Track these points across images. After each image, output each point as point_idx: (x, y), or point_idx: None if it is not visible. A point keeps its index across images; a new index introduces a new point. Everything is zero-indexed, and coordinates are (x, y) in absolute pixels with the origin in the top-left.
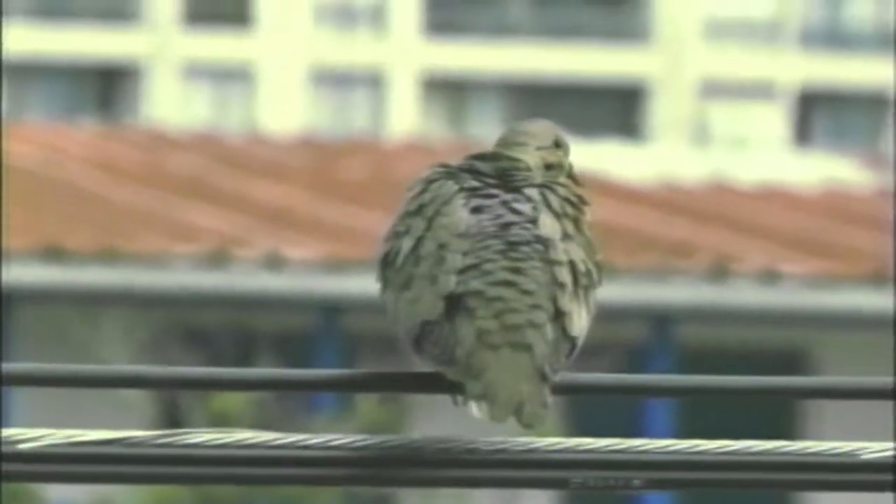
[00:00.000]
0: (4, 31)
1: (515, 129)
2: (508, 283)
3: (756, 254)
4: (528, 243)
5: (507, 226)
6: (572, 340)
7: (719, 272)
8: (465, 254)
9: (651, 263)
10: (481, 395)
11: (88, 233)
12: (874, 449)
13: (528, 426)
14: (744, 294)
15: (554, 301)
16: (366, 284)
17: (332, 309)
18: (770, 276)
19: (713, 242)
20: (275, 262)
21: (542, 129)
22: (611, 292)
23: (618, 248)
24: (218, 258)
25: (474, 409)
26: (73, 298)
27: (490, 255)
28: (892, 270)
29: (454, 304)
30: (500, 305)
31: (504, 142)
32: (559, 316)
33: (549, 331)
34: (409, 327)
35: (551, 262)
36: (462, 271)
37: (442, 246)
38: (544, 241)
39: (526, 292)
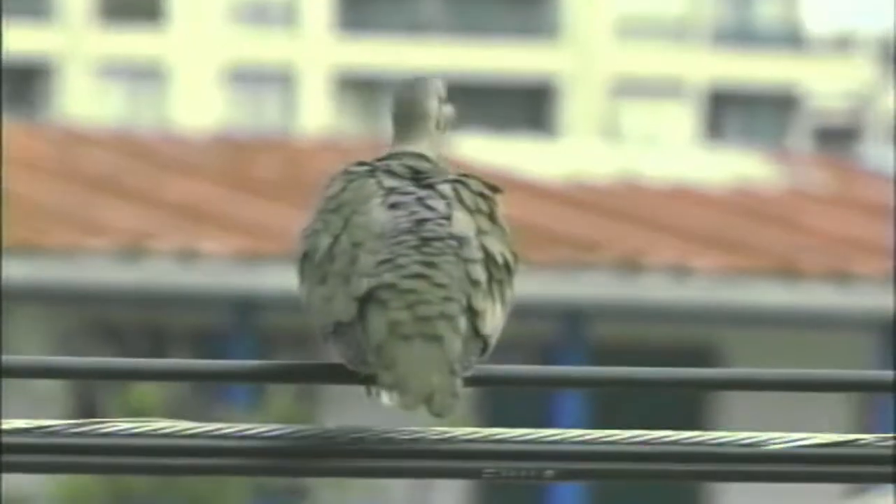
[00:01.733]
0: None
1: (410, 100)
2: (421, 276)
3: (666, 250)
4: (441, 239)
5: (421, 222)
6: (484, 339)
7: (630, 268)
8: (378, 254)
9: (562, 260)
10: (393, 385)
11: (3, 228)
12: (783, 439)
13: (438, 415)
14: (654, 290)
15: (468, 298)
16: (279, 280)
17: (245, 305)
18: (680, 272)
19: (624, 239)
20: (188, 258)
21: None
22: (522, 288)
23: (529, 244)
24: (131, 253)
25: (385, 397)
26: None
27: (404, 250)
28: (800, 266)
29: (367, 298)
30: (412, 297)
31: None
32: (472, 314)
33: (462, 323)
34: (323, 324)
35: (465, 260)
36: (375, 266)
37: (356, 245)
38: (458, 239)
39: (439, 285)
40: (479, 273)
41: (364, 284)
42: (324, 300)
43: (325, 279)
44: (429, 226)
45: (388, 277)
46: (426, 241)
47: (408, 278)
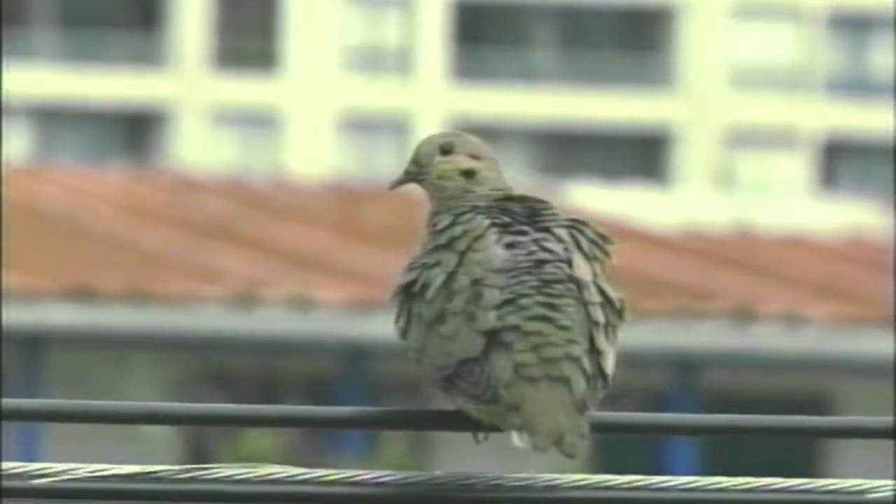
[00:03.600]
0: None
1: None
2: (545, 319)
3: (779, 299)
4: (561, 282)
5: (540, 263)
6: (606, 378)
7: (743, 317)
8: (501, 289)
9: (675, 309)
10: (521, 427)
11: (117, 275)
12: (887, 487)
13: (570, 456)
14: (767, 339)
15: (590, 339)
16: (391, 328)
17: (357, 352)
18: (793, 321)
19: (737, 288)
20: (301, 305)
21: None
22: (635, 337)
23: (642, 292)
24: (245, 301)
25: (516, 438)
26: (101, 341)
27: (525, 290)
28: None
29: (490, 339)
30: (537, 339)
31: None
32: (595, 353)
33: (586, 364)
34: (441, 364)
35: (585, 303)
36: (498, 307)
37: (477, 281)
38: (578, 282)
39: (562, 327)
40: (600, 315)
41: (492, 317)
42: (444, 339)
43: (444, 318)
44: (548, 268)
45: (512, 319)
46: (547, 283)
47: (531, 320)
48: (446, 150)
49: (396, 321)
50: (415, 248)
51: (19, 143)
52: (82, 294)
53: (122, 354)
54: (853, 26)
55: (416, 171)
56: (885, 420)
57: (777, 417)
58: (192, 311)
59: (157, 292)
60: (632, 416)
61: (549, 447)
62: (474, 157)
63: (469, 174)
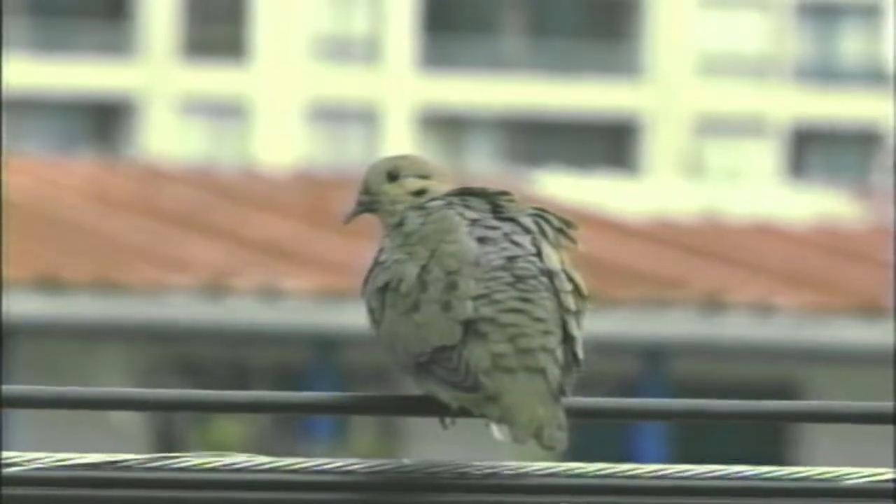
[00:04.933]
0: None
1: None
2: (519, 311)
3: (749, 288)
4: (534, 277)
5: (512, 259)
6: (579, 363)
7: (712, 306)
8: (477, 281)
9: (644, 297)
10: (500, 418)
11: (84, 265)
12: (863, 474)
13: (549, 448)
14: (737, 328)
15: (563, 326)
16: (362, 317)
17: (327, 342)
18: (763, 310)
19: (706, 276)
20: (270, 295)
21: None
22: (604, 326)
23: (611, 281)
24: (214, 290)
25: (495, 431)
26: (69, 331)
27: (499, 286)
28: (885, 304)
29: (466, 329)
30: (513, 330)
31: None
32: (568, 340)
33: (560, 355)
34: (415, 352)
35: (557, 291)
36: (474, 299)
37: (452, 272)
38: (549, 273)
39: (537, 319)
40: (571, 303)
41: (469, 307)
42: (417, 326)
43: (418, 306)
44: (520, 262)
45: (487, 311)
46: (520, 278)
47: (506, 312)
48: (393, 176)
49: (371, 317)
50: (378, 243)
51: None
52: (50, 284)
53: (90, 344)
54: (821, 14)
55: (369, 201)
56: (886, 405)
57: (762, 402)
58: (161, 301)
59: (125, 282)
60: (601, 400)
61: (529, 439)
62: (422, 176)
63: (420, 193)
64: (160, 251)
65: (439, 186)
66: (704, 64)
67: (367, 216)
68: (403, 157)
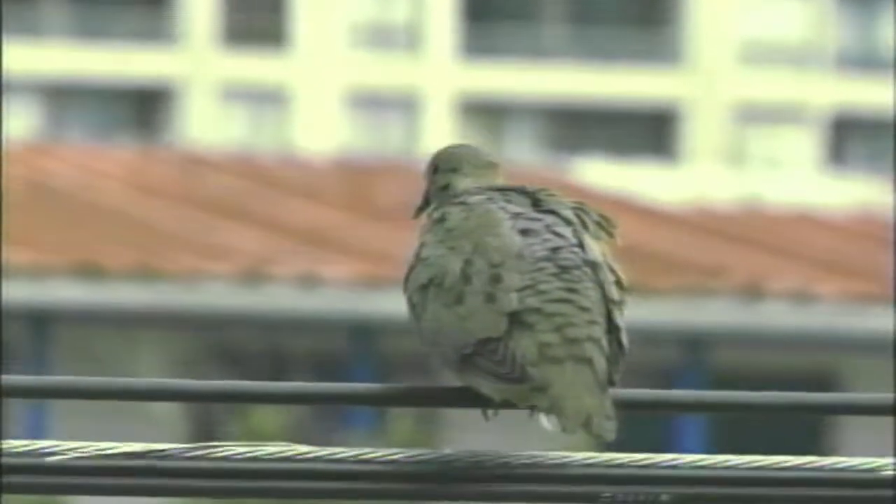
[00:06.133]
0: (32, 48)
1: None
2: (565, 301)
3: (789, 276)
4: (577, 267)
5: (556, 250)
6: (624, 352)
7: (752, 294)
8: (521, 274)
9: (684, 286)
10: (549, 409)
11: (124, 252)
12: None
13: (598, 437)
14: (777, 316)
15: (608, 317)
16: (400, 305)
17: (366, 330)
18: (803, 298)
19: (746, 265)
20: (309, 283)
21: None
22: (644, 314)
23: (651, 270)
24: (253, 278)
25: (544, 421)
26: (108, 318)
27: (544, 276)
28: None
29: (512, 320)
30: (559, 320)
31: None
32: (613, 330)
33: (606, 345)
34: (459, 343)
35: (601, 283)
36: (519, 290)
37: (496, 265)
38: (592, 265)
39: (583, 308)
40: (615, 294)
41: (514, 299)
42: (461, 319)
43: (462, 299)
44: (564, 253)
45: (533, 301)
46: (564, 269)
47: (552, 303)
48: (433, 170)
49: (412, 312)
50: (418, 238)
51: (28, 120)
52: (90, 271)
53: (130, 332)
54: (862, 1)
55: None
56: (886, 396)
57: (782, 394)
58: (200, 289)
59: (165, 269)
60: (643, 392)
61: (578, 429)
62: (453, 170)
63: (445, 188)
64: (199, 239)
65: (467, 179)
66: (744, 52)
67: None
68: (445, 149)
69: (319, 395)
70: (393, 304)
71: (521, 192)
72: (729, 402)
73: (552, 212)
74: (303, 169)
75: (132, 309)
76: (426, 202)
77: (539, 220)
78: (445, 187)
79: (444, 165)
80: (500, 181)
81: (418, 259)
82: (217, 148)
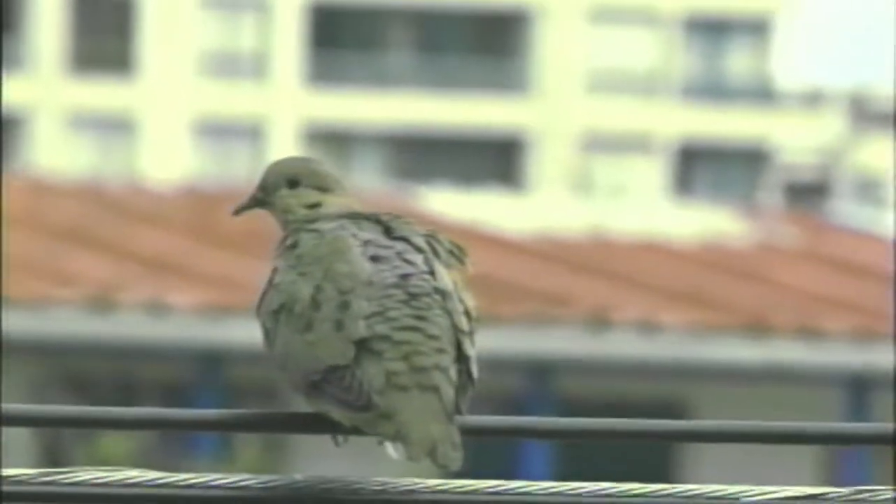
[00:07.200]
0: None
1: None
2: (414, 329)
3: (635, 305)
4: (427, 294)
5: (406, 276)
6: (473, 382)
7: (598, 323)
8: (369, 301)
9: (531, 314)
10: (394, 436)
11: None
12: (756, 492)
13: (444, 467)
14: (623, 345)
15: (457, 346)
16: (246, 332)
17: (213, 357)
18: (649, 327)
19: (593, 293)
20: (157, 310)
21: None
22: (490, 342)
23: (497, 297)
24: (101, 305)
25: (390, 449)
26: None
27: (393, 303)
28: (770, 322)
29: (360, 347)
30: (407, 348)
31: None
32: (462, 359)
33: (453, 374)
34: (307, 370)
35: (450, 311)
36: (367, 317)
37: (345, 292)
38: (442, 293)
39: (431, 336)
40: (464, 324)
41: (362, 327)
42: (309, 345)
43: (311, 326)
44: (414, 280)
45: (381, 329)
46: (414, 296)
47: (401, 330)
48: (293, 183)
49: (266, 338)
50: (271, 263)
51: None
52: None
53: None
54: (709, 30)
55: (262, 198)
56: (885, 426)
57: (626, 420)
58: (48, 315)
59: (11, 295)
60: (490, 418)
61: (423, 457)
62: (322, 189)
63: (314, 206)
64: (47, 265)
65: (335, 201)
66: (592, 80)
67: (259, 211)
68: (307, 164)
69: (170, 420)
70: (240, 332)
71: (374, 219)
72: (575, 429)
73: (404, 239)
74: (150, 196)
75: None
76: (259, 205)
77: (390, 247)
78: (315, 206)
79: (309, 181)
80: (357, 204)
81: (271, 284)
82: (64, 175)
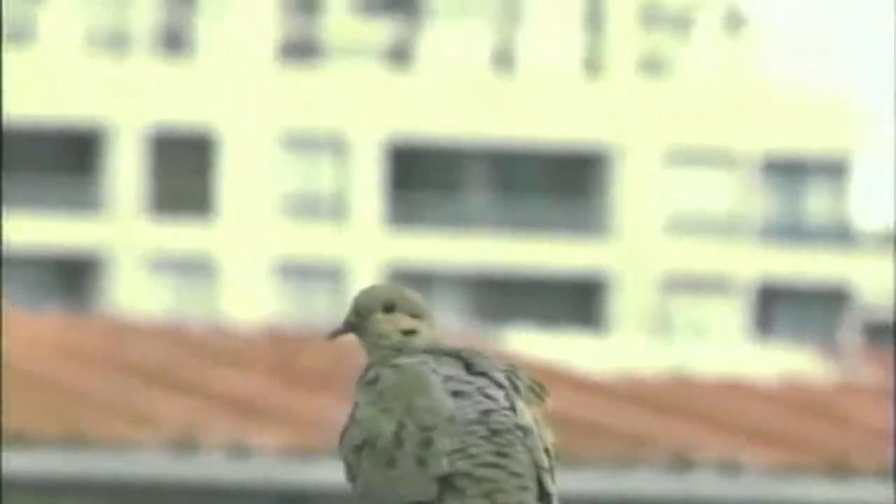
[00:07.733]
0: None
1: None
2: (496, 466)
3: (717, 445)
4: (509, 431)
5: (487, 412)
6: None
7: (680, 463)
8: (451, 437)
9: (612, 455)
10: None
11: (52, 420)
12: None
13: None
14: (704, 485)
15: (539, 483)
16: (329, 473)
17: (295, 499)
18: (730, 468)
19: (674, 434)
20: (238, 451)
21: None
22: (571, 484)
23: (578, 438)
24: (181, 446)
25: None
26: (36, 486)
27: (475, 440)
28: (853, 462)
29: (442, 484)
30: (489, 486)
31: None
32: (545, 497)
33: None
34: None
35: (531, 448)
36: (449, 454)
37: (426, 429)
38: (524, 429)
39: (513, 474)
40: (545, 461)
41: (444, 463)
42: (392, 482)
43: (394, 462)
44: (495, 416)
45: (463, 465)
46: (495, 432)
47: (483, 467)
48: (388, 308)
49: (348, 472)
50: (353, 398)
51: None
52: (17, 440)
53: (58, 500)
54: (787, 172)
55: (356, 323)
56: None
57: None
58: (128, 457)
59: (91, 436)
60: None
61: None
62: (414, 315)
63: (409, 333)
64: (128, 406)
65: (427, 331)
66: (670, 222)
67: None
68: (399, 292)
69: None
70: (322, 474)
71: (454, 354)
72: None
73: (484, 374)
74: (231, 337)
75: (60, 477)
76: (353, 330)
77: (471, 382)
78: (410, 332)
79: (405, 306)
80: (440, 338)
81: (353, 420)
82: (145, 316)
